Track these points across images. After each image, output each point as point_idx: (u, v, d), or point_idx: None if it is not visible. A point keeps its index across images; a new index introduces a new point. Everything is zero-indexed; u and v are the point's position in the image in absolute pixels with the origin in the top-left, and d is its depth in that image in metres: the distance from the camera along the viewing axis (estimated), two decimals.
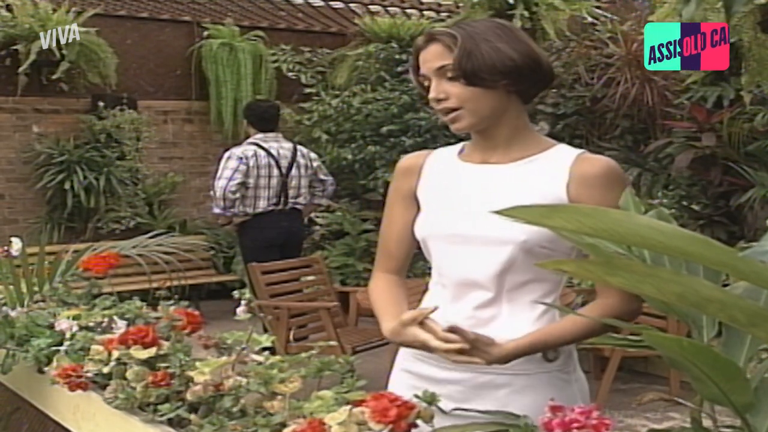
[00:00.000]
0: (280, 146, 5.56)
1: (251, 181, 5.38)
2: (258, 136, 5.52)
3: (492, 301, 1.55)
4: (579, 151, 1.57)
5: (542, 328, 1.52)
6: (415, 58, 1.60)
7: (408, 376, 1.65)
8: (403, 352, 1.68)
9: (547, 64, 1.58)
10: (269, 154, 5.46)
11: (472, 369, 1.53)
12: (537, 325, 1.53)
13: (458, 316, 1.56)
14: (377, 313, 1.65)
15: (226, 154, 5.45)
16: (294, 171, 5.55)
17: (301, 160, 5.62)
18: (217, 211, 5.46)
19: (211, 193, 5.50)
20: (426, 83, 1.58)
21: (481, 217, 1.48)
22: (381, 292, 1.69)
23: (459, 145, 1.68)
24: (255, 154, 5.40)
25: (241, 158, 5.36)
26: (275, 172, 5.47)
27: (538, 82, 1.58)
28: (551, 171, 1.54)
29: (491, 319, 1.55)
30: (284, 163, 5.51)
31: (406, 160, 1.73)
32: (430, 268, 1.70)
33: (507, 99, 1.55)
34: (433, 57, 1.55)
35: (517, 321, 1.53)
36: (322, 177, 5.79)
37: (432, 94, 1.57)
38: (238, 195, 5.35)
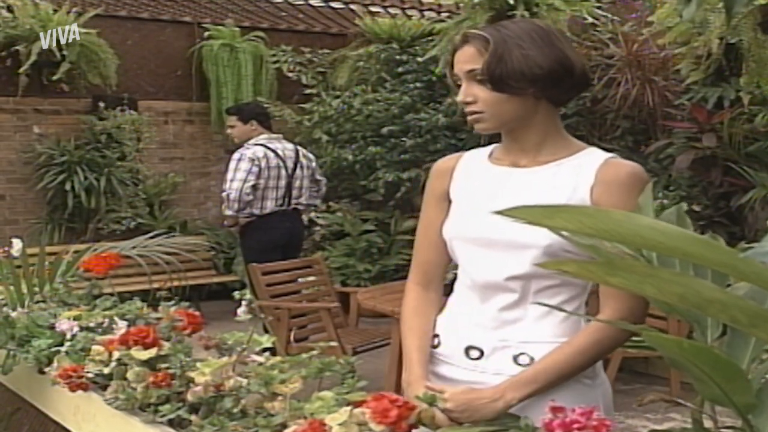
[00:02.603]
0: (284, 147, 5.59)
1: (261, 182, 5.40)
2: (263, 137, 5.52)
3: (517, 303, 1.54)
4: (608, 155, 1.56)
5: (532, 367, 1.49)
6: (451, 55, 1.60)
7: None
8: None
9: (581, 70, 1.55)
10: (277, 155, 5.48)
11: (489, 371, 1.54)
12: (561, 328, 1.53)
13: (483, 317, 1.57)
14: (404, 351, 1.63)
15: (236, 156, 5.42)
16: (298, 171, 5.60)
17: (304, 161, 5.68)
18: (229, 213, 5.42)
19: (223, 194, 5.44)
20: (459, 82, 1.59)
21: (506, 220, 1.48)
22: (406, 326, 1.66)
23: (490, 147, 1.68)
24: (265, 156, 5.42)
25: (253, 160, 5.36)
26: (283, 173, 5.50)
27: (571, 88, 1.57)
28: (578, 175, 1.53)
29: (515, 321, 1.55)
30: (290, 164, 5.54)
31: (440, 163, 1.73)
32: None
33: (535, 104, 1.55)
34: (465, 59, 1.56)
35: (542, 324, 1.53)
36: (317, 177, 5.83)
37: (460, 97, 1.58)
38: (251, 197, 5.36)
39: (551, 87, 1.53)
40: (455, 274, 1.69)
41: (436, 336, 1.65)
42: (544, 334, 1.52)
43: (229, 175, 5.38)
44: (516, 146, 1.61)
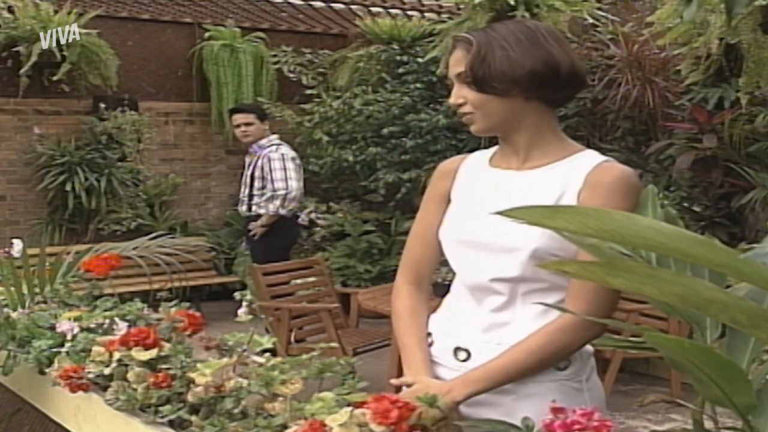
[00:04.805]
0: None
1: None
2: (275, 138, 5.57)
3: (506, 305, 1.55)
4: (602, 159, 1.54)
5: (486, 363, 1.49)
6: (447, 60, 1.63)
7: None
8: None
9: (568, 70, 1.53)
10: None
11: None
12: None
13: (475, 318, 1.58)
14: (404, 349, 1.63)
15: (276, 156, 5.42)
16: None
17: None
18: (282, 212, 5.43)
19: (278, 193, 5.40)
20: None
21: (495, 223, 1.49)
22: (405, 324, 1.66)
23: (493, 149, 1.68)
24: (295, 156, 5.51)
25: (294, 159, 5.41)
26: (301, 173, 5.56)
27: (559, 88, 1.55)
28: (569, 178, 1.53)
29: (504, 324, 1.55)
30: None
31: (445, 164, 1.74)
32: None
33: (525, 105, 1.54)
34: (454, 62, 1.58)
35: (530, 328, 1.52)
36: None
37: (451, 99, 1.59)
38: None
39: (537, 87, 1.52)
40: (455, 275, 1.69)
41: (429, 335, 1.66)
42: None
43: (278, 174, 5.36)
44: (509, 148, 1.61)
